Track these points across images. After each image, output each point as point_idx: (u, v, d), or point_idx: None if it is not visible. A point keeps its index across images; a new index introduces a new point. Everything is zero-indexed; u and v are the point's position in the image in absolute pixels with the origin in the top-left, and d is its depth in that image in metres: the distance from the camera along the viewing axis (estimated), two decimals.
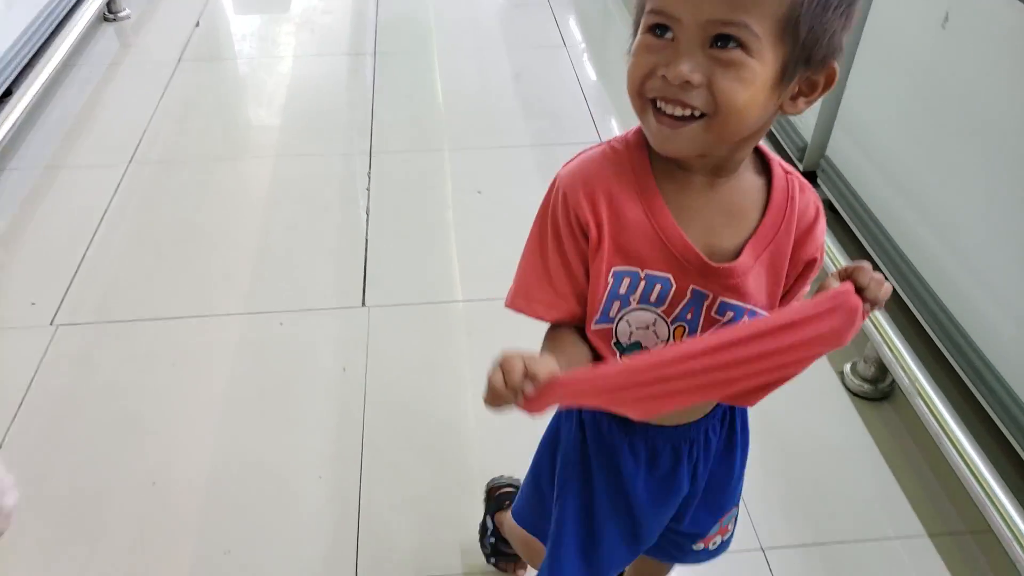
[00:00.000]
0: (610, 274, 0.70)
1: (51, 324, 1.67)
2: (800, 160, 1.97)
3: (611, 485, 0.82)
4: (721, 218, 0.70)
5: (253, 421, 1.48)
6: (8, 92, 2.24)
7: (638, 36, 0.63)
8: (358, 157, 2.19)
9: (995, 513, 1.22)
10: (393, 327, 1.67)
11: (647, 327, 0.71)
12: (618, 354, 0.74)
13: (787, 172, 0.72)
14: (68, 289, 1.75)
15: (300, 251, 1.88)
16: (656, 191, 0.68)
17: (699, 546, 0.92)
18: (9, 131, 2.04)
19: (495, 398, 0.61)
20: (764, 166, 0.72)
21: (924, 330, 1.56)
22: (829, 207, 1.89)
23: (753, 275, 0.70)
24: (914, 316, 1.58)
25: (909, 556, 1.30)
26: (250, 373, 1.58)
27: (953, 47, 1.45)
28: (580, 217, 0.69)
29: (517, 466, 1.35)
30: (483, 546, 1.24)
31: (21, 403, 1.50)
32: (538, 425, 0.95)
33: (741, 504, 1.36)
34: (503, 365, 0.61)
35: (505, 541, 1.18)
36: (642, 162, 0.69)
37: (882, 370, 1.53)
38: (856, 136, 1.79)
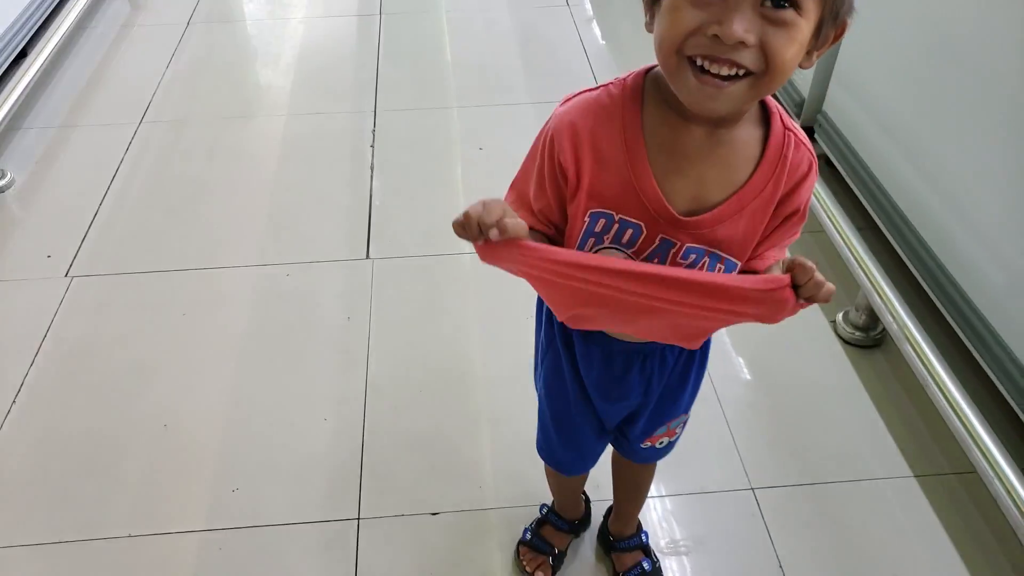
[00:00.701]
0: (587, 214, 0.73)
1: (66, 276, 1.73)
2: (798, 116, 1.98)
3: (574, 374, 0.91)
4: (713, 170, 0.71)
5: (261, 367, 1.54)
6: (23, 53, 2.29)
7: None
8: (363, 115, 2.22)
9: (979, 454, 1.25)
10: (396, 278, 1.72)
11: None
12: None
13: (786, 128, 0.72)
14: (82, 242, 1.81)
15: (306, 206, 1.92)
16: (641, 144, 0.70)
17: (646, 444, 1.01)
18: (24, 91, 2.08)
19: (464, 227, 0.65)
20: (765, 117, 0.72)
21: (916, 280, 1.58)
22: (826, 162, 1.91)
23: (727, 225, 0.72)
24: (906, 267, 1.61)
25: (895, 495, 1.34)
26: (258, 322, 1.63)
27: None
28: (562, 163, 0.73)
29: (516, 410, 1.40)
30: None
31: (38, 350, 1.57)
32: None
33: (731, 444, 1.42)
34: (486, 205, 0.65)
35: (549, 523, 1.23)
36: (634, 112, 0.70)
37: (873, 318, 1.56)
38: (852, 90, 1.80)
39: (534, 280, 0.73)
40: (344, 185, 1.98)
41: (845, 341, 1.59)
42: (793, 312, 0.67)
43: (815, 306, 1.72)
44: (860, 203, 1.77)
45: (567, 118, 0.72)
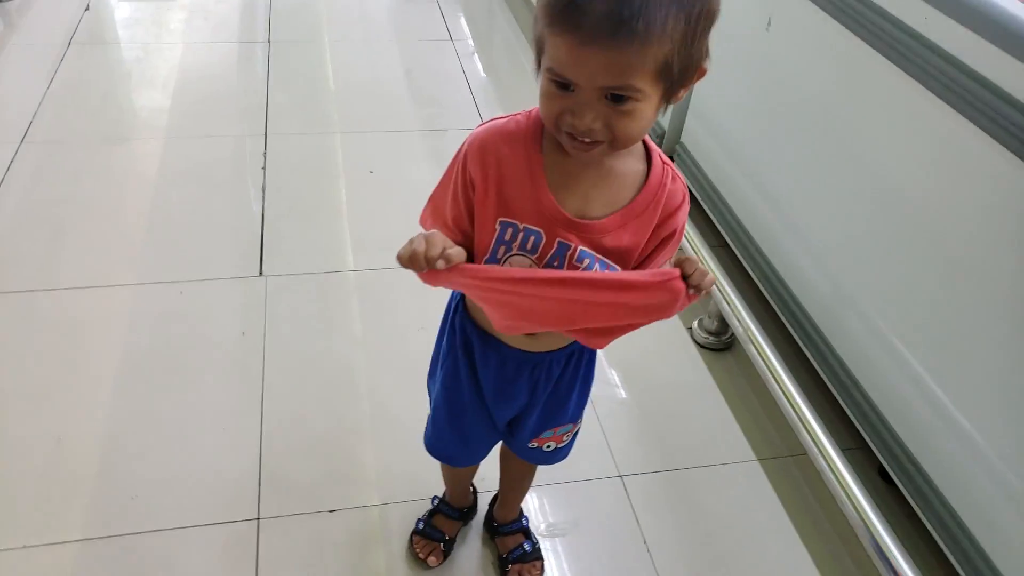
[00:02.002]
0: (496, 222, 0.86)
1: None
2: (659, 145, 2.21)
3: (470, 377, 1.03)
4: (597, 191, 0.83)
5: (158, 381, 1.57)
6: None
7: (543, 80, 0.75)
8: (253, 139, 2.28)
9: (808, 438, 1.46)
10: (289, 294, 1.79)
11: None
12: None
13: (664, 163, 0.86)
14: None
15: (197, 226, 1.96)
16: (539, 163, 0.83)
17: (533, 444, 1.12)
18: None
19: (410, 260, 0.77)
20: (647, 155, 0.87)
21: (760, 290, 1.81)
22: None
23: (612, 236, 0.84)
24: (752, 279, 1.84)
25: (743, 477, 1.54)
26: (152, 337, 1.66)
27: (776, 47, 1.71)
28: (473, 177, 0.85)
29: (405, 414, 1.50)
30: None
31: None
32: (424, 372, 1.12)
33: (603, 438, 1.58)
34: (428, 240, 0.78)
35: (440, 512, 1.34)
36: (535, 139, 0.83)
37: (724, 324, 1.78)
38: (706, 123, 2.03)
39: (474, 296, 0.86)
40: (236, 206, 2.03)
41: (700, 345, 1.80)
42: (684, 304, 0.81)
43: (675, 317, 1.91)
44: (713, 224, 2.00)
45: (480, 139, 0.85)
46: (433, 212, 0.92)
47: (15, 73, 2.47)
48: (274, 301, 1.77)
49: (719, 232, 1.97)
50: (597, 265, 0.86)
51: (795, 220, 1.69)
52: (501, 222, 0.85)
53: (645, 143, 0.87)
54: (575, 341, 0.99)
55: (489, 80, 2.71)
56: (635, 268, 0.89)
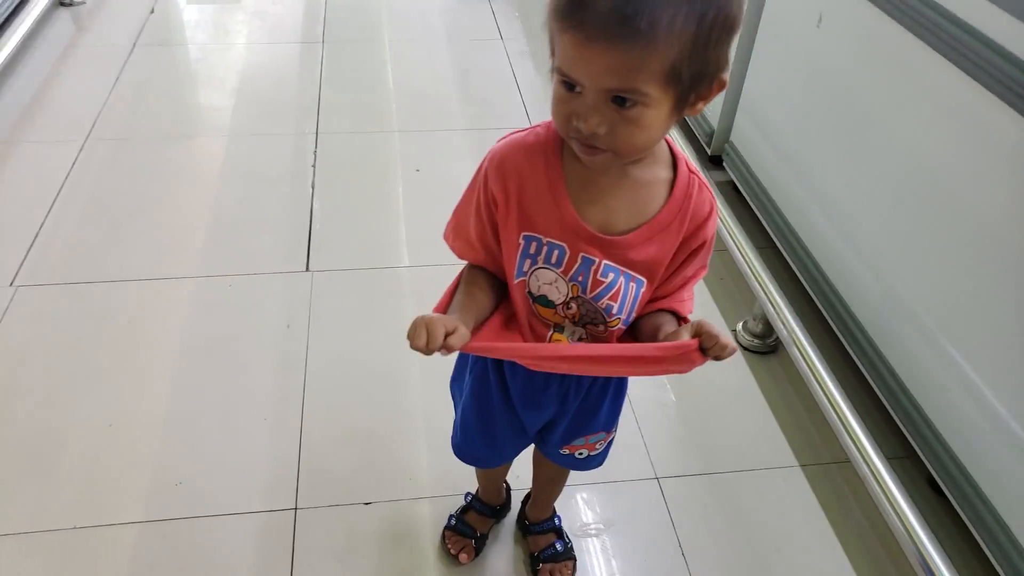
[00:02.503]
0: (520, 237, 0.86)
1: (11, 285, 1.78)
2: (708, 145, 2.18)
3: (499, 384, 1.02)
4: (622, 204, 0.82)
5: (204, 371, 1.62)
6: None
7: (554, 83, 0.75)
8: (305, 136, 2.33)
9: (852, 445, 1.42)
10: (335, 289, 1.83)
11: (551, 283, 0.87)
12: (531, 301, 0.90)
13: (691, 171, 0.84)
14: (28, 253, 1.87)
15: (249, 221, 2.02)
16: (560, 176, 0.82)
17: (565, 451, 1.11)
18: None
19: (415, 349, 0.77)
20: (674, 162, 0.84)
21: (807, 293, 1.77)
22: (732, 187, 2.10)
23: (637, 251, 0.83)
24: (799, 281, 1.80)
25: (783, 483, 1.50)
26: (201, 328, 1.72)
27: (827, 44, 1.66)
28: (495, 194, 0.85)
29: (444, 410, 1.51)
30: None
31: None
32: None
33: (640, 439, 1.56)
34: (428, 327, 0.76)
35: (472, 509, 1.35)
36: (555, 149, 0.82)
37: (768, 327, 1.74)
38: (756, 122, 1.99)
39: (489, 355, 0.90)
40: (286, 202, 2.08)
41: (744, 348, 1.76)
42: (702, 364, 0.80)
43: (719, 316, 1.89)
44: (761, 225, 1.96)
45: (499, 155, 0.85)
46: (456, 228, 0.92)
47: (84, 73, 2.58)
48: (319, 296, 1.81)
49: (767, 233, 1.93)
50: (622, 279, 0.85)
51: (845, 221, 1.65)
52: (525, 236, 0.85)
53: (672, 149, 0.85)
54: None
55: (539, 81, 2.72)
56: (663, 280, 0.88)
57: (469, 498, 1.36)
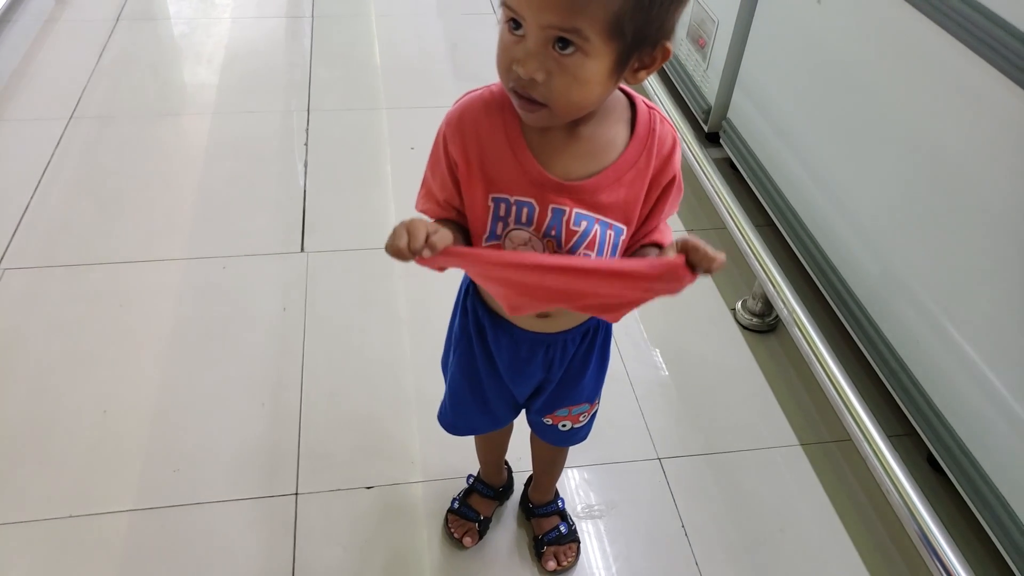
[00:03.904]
0: (489, 199, 0.82)
1: None
2: (705, 122, 2.15)
3: (485, 357, 1.03)
4: (583, 149, 0.80)
5: (200, 355, 1.60)
6: None
7: (501, 26, 0.73)
8: (297, 114, 2.29)
9: (853, 423, 1.42)
10: (330, 270, 1.80)
11: (525, 243, 0.84)
12: None
13: (649, 108, 0.83)
14: (14, 235, 1.82)
15: (241, 201, 1.98)
16: (518, 130, 0.80)
17: (548, 421, 1.11)
18: None
19: (396, 253, 0.71)
20: (632, 109, 0.82)
21: (807, 272, 1.76)
22: (729, 164, 2.08)
23: (607, 193, 0.81)
24: (799, 260, 1.79)
25: (784, 462, 1.51)
26: (195, 312, 1.69)
27: (828, 20, 1.64)
28: (452, 155, 0.82)
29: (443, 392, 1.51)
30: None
31: None
32: None
33: (641, 420, 1.56)
34: (409, 229, 0.71)
35: (475, 491, 1.34)
36: (512, 104, 0.77)
37: (768, 306, 1.74)
38: (754, 98, 1.97)
39: (475, 276, 0.84)
40: (277, 181, 2.05)
41: (743, 326, 1.76)
42: (692, 281, 0.74)
43: (717, 296, 1.87)
44: (759, 203, 1.95)
45: (456, 115, 0.82)
46: (426, 196, 0.90)
47: (66, 48, 2.52)
48: (315, 277, 1.78)
49: (765, 211, 1.92)
50: (597, 227, 0.82)
51: (845, 200, 1.64)
52: (493, 198, 0.83)
53: (628, 95, 0.83)
54: (590, 319, 0.97)
55: None
56: (640, 222, 0.85)
57: (471, 480, 1.36)
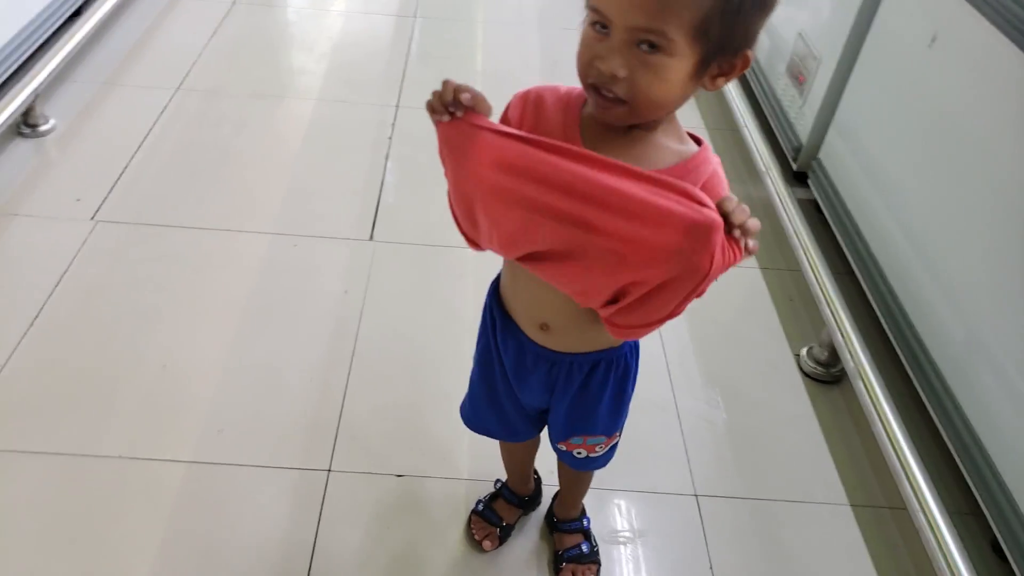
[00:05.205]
0: None
1: (91, 219, 1.85)
2: (794, 160, 2.09)
3: (498, 357, 1.03)
4: (631, 156, 0.77)
5: (259, 325, 1.65)
6: (78, 12, 2.42)
7: (584, 27, 0.74)
8: (386, 108, 2.34)
9: (910, 490, 1.34)
10: (395, 261, 1.83)
11: None
12: None
13: (714, 164, 0.80)
14: (111, 191, 1.93)
15: (321, 185, 2.04)
16: (576, 127, 0.80)
17: (562, 447, 1.10)
18: (75, 47, 2.21)
19: (440, 94, 0.76)
20: (697, 144, 0.81)
21: (881, 326, 1.67)
22: (815, 208, 2.01)
23: None
24: (873, 313, 1.70)
25: (831, 520, 1.43)
26: (262, 283, 1.74)
27: (939, 67, 1.56)
28: (510, 119, 0.83)
29: None
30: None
31: (57, 284, 1.68)
32: None
33: (683, 453, 1.51)
34: (446, 83, 0.76)
35: (501, 496, 1.33)
36: (579, 104, 0.81)
37: (834, 356, 1.66)
38: (849, 140, 1.90)
39: (478, 200, 0.79)
40: (359, 171, 2.10)
41: (806, 374, 1.68)
42: (719, 265, 0.67)
43: (782, 339, 1.80)
44: (840, 249, 1.87)
45: (531, 89, 0.84)
46: None
47: (185, 24, 2.66)
48: (379, 266, 1.81)
49: (845, 258, 1.84)
50: None
51: (935, 257, 1.55)
52: None
53: (694, 137, 0.82)
54: (598, 350, 0.95)
55: None
56: None
57: (499, 485, 1.34)
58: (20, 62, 2.12)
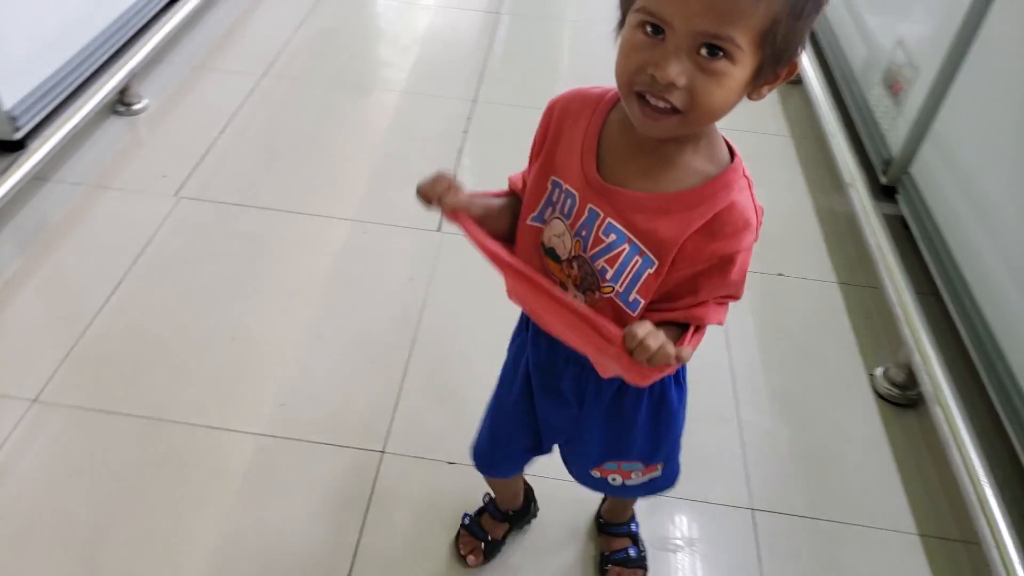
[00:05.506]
0: (548, 180, 0.82)
1: (175, 196, 1.92)
2: (884, 173, 2.00)
3: (526, 372, 0.99)
4: (646, 173, 0.77)
5: (326, 305, 1.68)
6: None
7: (627, 30, 0.69)
8: (463, 103, 2.36)
9: (985, 525, 1.26)
10: (461, 254, 1.83)
11: (559, 236, 0.83)
12: (543, 253, 0.86)
13: (746, 176, 0.77)
14: (195, 170, 2.00)
15: (394, 174, 2.06)
16: (597, 127, 0.79)
17: (596, 474, 1.04)
18: (171, 31, 2.31)
19: (421, 194, 0.80)
20: (728, 163, 0.77)
21: (965, 351, 1.58)
22: (902, 224, 1.92)
23: (646, 217, 0.76)
24: (958, 336, 1.61)
25: (896, 549, 1.36)
26: (330, 265, 1.78)
27: None
28: (541, 127, 0.83)
29: None
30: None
31: (140, 254, 1.75)
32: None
33: (742, 465, 1.46)
34: (436, 177, 0.79)
35: (487, 512, 1.30)
36: (605, 107, 0.79)
37: (912, 378, 1.57)
38: (945, 155, 1.80)
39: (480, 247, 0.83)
40: (432, 162, 2.11)
41: (880, 395, 1.60)
42: (648, 372, 0.73)
43: (857, 357, 1.73)
44: (926, 268, 1.78)
45: (559, 97, 0.83)
46: (524, 170, 0.90)
47: (274, 13, 2.73)
48: (444, 257, 1.82)
49: (929, 278, 1.75)
50: (627, 246, 0.77)
51: None
52: (552, 180, 0.82)
53: (732, 152, 0.78)
54: None
55: None
56: (677, 284, 0.78)
57: (487, 499, 1.31)
58: (120, 44, 2.22)
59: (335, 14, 2.77)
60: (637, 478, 1.04)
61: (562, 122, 0.81)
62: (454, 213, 0.79)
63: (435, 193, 0.78)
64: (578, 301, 0.78)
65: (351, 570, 1.25)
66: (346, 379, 1.53)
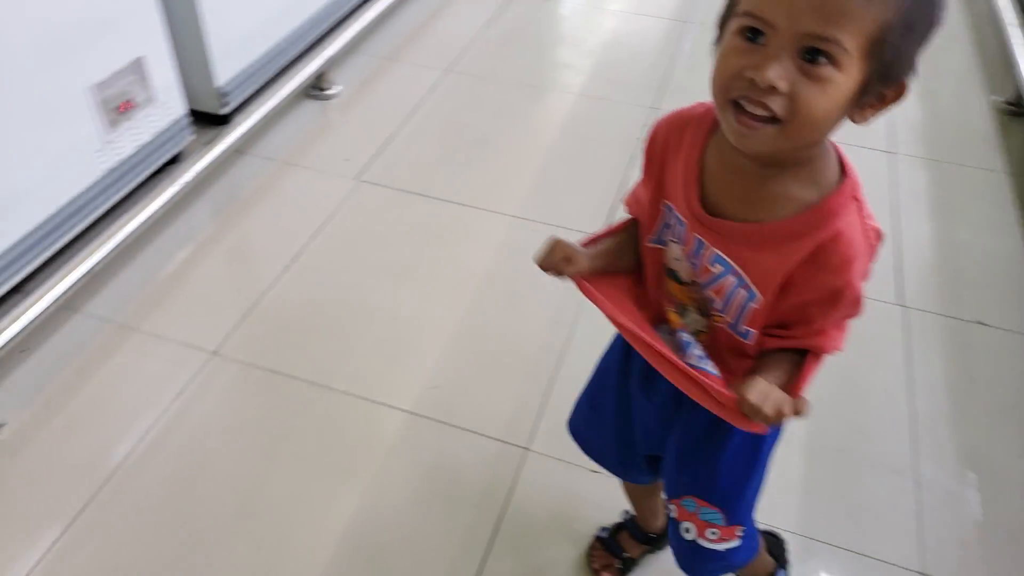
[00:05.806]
0: (661, 203, 0.81)
1: (355, 179, 2.01)
2: None
3: (624, 368, 0.97)
4: (746, 201, 0.74)
5: (485, 299, 1.70)
6: None
7: (727, 37, 0.67)
8: (641, 110, 2.31)
9: None
10: None
11: (678, 259, 0.82)
12: (665, 273, 0.85)
13: (856, 199, 0.71)
14: (375, 156, 2.09)
15: (566, 177, 2.05)
16: (699, 149, 0.76)
17: (672, 508, 0.95)
18: (367, 25, 2.43)
19: (541, 267, 0.83)
20: (835, 188, 0.71)
21: None
22: None
23: (746, 248, 0.74)
24: None
25: None
26: (494, 260, 1.80)
27: None
28: (649, 155, 0.82)
29: None
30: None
31: (318, 231, 1.85)
32: None
33: (916, 525, 1.32)
34: (551, 247, 0.82)
35: (625, 528, 1.24)
36: (706, 125, 0.77)
37: None
38: None
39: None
40: (602, 168, 2.09)
41: None
42: (761, 426, 0.71)
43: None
44: None
45: (660, 121, 0.82)
46: (634, 189, 0.88)
47: (463, 11, 2.80)
48: None
49: None
50: (732, 278, 0.76)
51: None
52: (665, 204, 0.81)
53: (844, 166, 0.72)
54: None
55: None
56: (790, 310, 0.75)
57: (626, 516, 1.25)
58: (320, 35, 2.37)
59: (522, 14, 2.81)
60: (712, 538, 0.92)
61: (665, 151, 0.80)
62: (577, 280, 0.83)
63: (552, 264, 0.82)
64: (690, 366, 0.78)
65: (487, 555, 1.24)
66: (497, 372, 1.53)
